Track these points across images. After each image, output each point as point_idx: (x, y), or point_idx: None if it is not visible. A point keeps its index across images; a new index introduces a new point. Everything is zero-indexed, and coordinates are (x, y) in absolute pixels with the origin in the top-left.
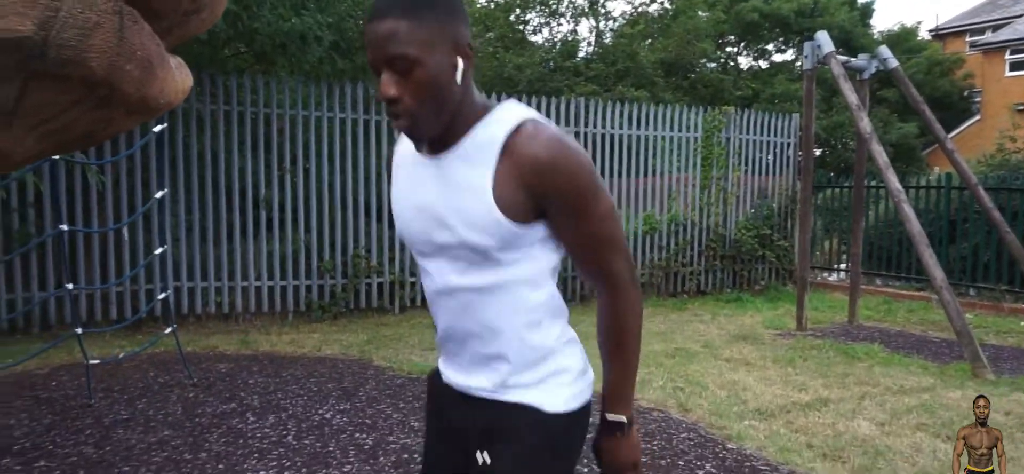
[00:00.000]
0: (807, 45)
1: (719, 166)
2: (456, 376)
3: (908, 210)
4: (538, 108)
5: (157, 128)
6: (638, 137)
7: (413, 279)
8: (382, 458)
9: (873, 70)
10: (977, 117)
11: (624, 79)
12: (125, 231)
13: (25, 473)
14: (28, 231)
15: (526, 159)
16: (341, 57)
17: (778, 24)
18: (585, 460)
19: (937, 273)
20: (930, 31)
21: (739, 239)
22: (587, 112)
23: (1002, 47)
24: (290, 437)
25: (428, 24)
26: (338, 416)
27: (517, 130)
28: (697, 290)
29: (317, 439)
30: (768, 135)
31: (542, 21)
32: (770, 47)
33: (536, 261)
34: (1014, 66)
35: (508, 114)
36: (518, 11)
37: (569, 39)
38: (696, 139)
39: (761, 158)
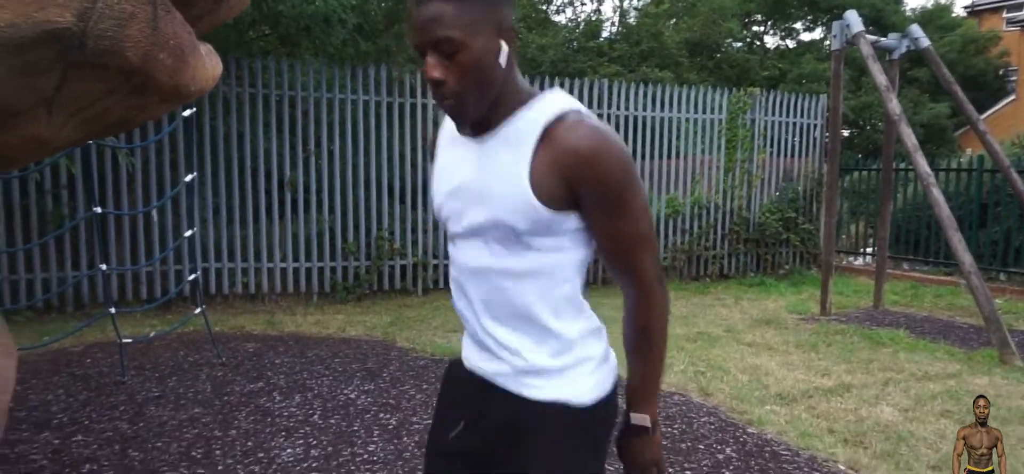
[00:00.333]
0: (836, 25)
1: (744, 148)
2: (477, 359)
3: (937, 194)
4: (561, 89)
5: (186, 113)
6: (662, 119)
7: (436, 261)
8: (405, 438)
9: (904, 50)
10: (1012, 97)
11: (648, 59)
12: (155, 213)
13: (63, 447)
14: (62, 213)
15: (566, 148)
16: (364, 39)
17: (807, 2)
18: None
19: (966, 258)
20: (965, 8)
21: (763, 222)
22: (610, 93)
23: None
24: (316, 416)
25: (473, 8)
26: (362, 396)
27: (559, 119)
28: (720, 274)
29: (342, 419)
30: (794, 116)
31: (565, 1)
32: (798, 26)
33: (565, 252)
34: None
35: (552, 102)
36: None
37: (593, 19)
38: (720, 121)
39: (787, 140)
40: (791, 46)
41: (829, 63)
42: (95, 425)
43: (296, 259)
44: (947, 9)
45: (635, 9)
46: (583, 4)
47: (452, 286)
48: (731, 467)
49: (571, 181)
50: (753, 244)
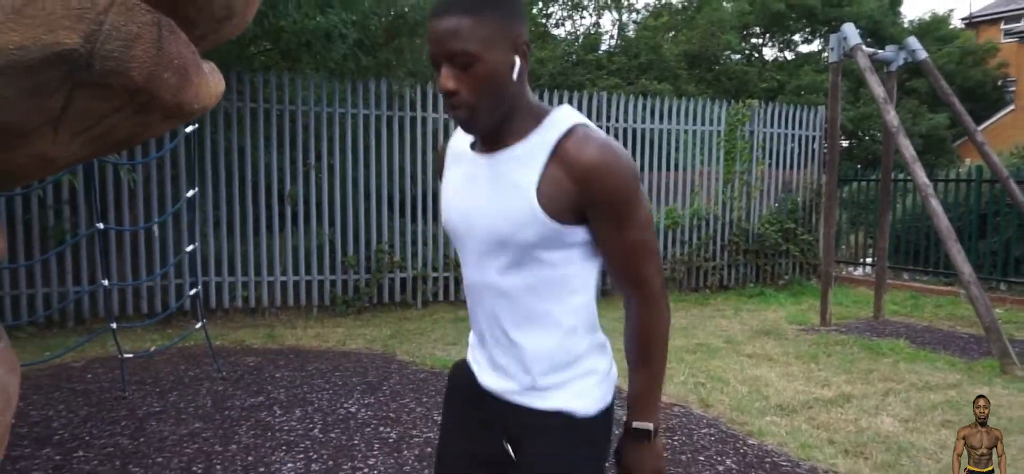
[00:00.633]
0: (833, 37)
1: (743, 160)
2: (487, 376)
3: (936, 205)
4: (561, 102)
5: (188, 129)
6: (661, 131)
7: (436, 274)
8: (405, 451)
9: (901, 62)
10: (1011, 107)
11: (647, 72)
12: (156, 228)
13: (64, 463)
14: (64, 228)
15: (574, 162)
16: (365, 54)
17: (805, 14)
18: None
19: (965, 268)
20: (963, 19)
21: (763, 233)
22: (610, 106)
23: None
24: (316, 430)
25: (489, 22)
26: (363, 410)
27: (568, 134)
28: (720, 285)
29: (342, 432)
30: (793, 128)
31: (565, 14)
32: (796, 38)
33: (575, 264)
34: None
35: (561, 119)
36: (541, 4)
37: (592, 32)
38: (719, 133)
39: (786, 151)
40: (789, 58)
41: (827, 74)
42: (96, 441)
43: (296, 272)
44: (945, 21)
45: (634, 22)
46: (582, 17)
47: (466, 296)
48: None
49: (579, 193)
50: (753, 255)
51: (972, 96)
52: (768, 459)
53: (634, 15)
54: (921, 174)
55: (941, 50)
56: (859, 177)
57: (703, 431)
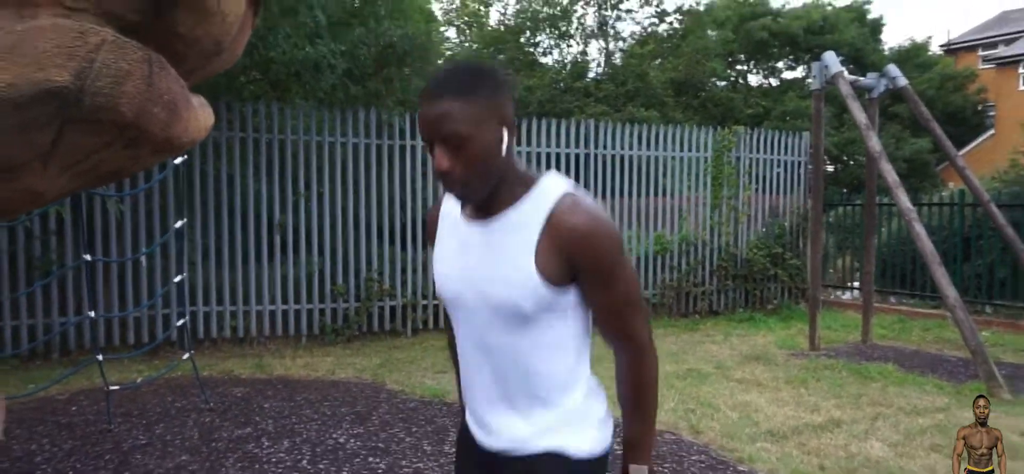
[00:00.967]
0: (815, 65)
1: (730, 185)
2: (486, 437)
3: (919, 229)
4: (549, 129)
5: (177, 160)
6: (648, 157)
7: (425, 302)
8: None
9: (882, 89)
10: (991, 132)
11: (634, 99)
12: (144, 259)
13: None
14: (50, 259)
15: (565, 230)
16: (354, 83)
17: (788, 42)
18: None
19: (950, 292)
20: (941, 46)
21: (751, 258)
22: (597, 133)
23: (1015, 61)
24: (304, 462)
25: (478, 103)
26: (351, 440)
27: (559, 202)
28: (709, 310)
29: (331, 464)
30: (779, 153)
31: (552, 43)
32: (780, 65)
33: (568, 322)
34: None
35: (550, 189)
36: (528, 33)
37: (579, 60)
38: (706, 159)
39: (772, 176)
40: (774, 84)
41: (811, 100)
42: None
43: (285, 301)
44: (924, 48)
45: (621, 50)
46: (570, 46)
47: (460, 358)
48: None
49: (570, 258)
50: (741, 280)
51: (953, 121)
52: None
53: (620, 43)
54: (904, 199)
55: (921, 76)
56: (845, 202)
57: (693, 458)
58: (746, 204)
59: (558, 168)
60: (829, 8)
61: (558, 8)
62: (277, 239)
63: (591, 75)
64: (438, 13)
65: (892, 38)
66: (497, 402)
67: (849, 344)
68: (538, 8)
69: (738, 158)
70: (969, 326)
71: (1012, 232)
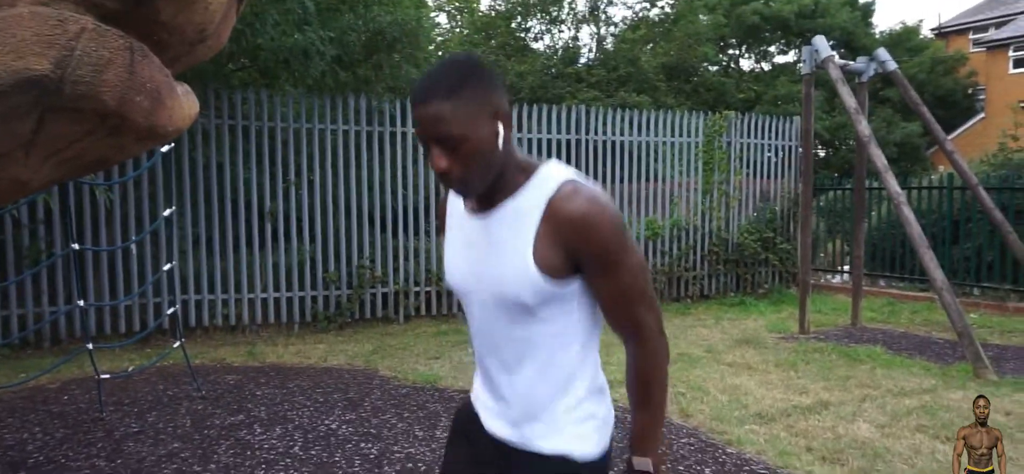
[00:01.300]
0: (805, 49)
1: (721, 170)
2: (491, 420)
3: (908, 213)
4: (540, 115)
5: (165, 149)
6: (640, 143)
7: (417, 289)
8: (387, 467)
9: (872, 73)
10: (981, 115)
11: (626, 84)
12: (134, 247)
13: None
14: (39, 248)
15: (564, 219)
16: (344, 70)
17: (779, 26)
18: None
19: (937, 275)
20: (932, 30)
21: (742, 243)
22: (589, 118)
23: (1005, 44)
24: (297, 448)
25: (469, 101)
26: (344, 426)
27: (557, 191)
28: (701, 294)
29: (323, 449)
30: (770, 138)
31: (543, 28)
32: (772, 49)
33: (572, 316)
34: (1018, 63)
35: (549, 177)
36: (519, 18)
37: (570, 45)
38: (698, 144)
39: (763, 161)
40: (766, 69)
41: (802, 85)
42: (72, 463)
43: (277, 289)
44: (915, 31)
45: (612, 35)
46: (561, 31)
47: (472, 341)
48: None
49: (570, 248)
50: (733, 264)
51: (943, 105)
52: (746, 467)
53: (612, 28)
54: (893, 183)
55: (912, 60)
56: (835, 186)
57: (683, 441)
58: (737, 189)
59: (549, 154)
60: None
61: None
62: (268, 227)
63: (582, 60)
64: None
65: (883, 22)
66: (504, 389)
67: (839, 327)
68: None
69: (729, 143)
70: (956, 308)
71: (1000, 215)
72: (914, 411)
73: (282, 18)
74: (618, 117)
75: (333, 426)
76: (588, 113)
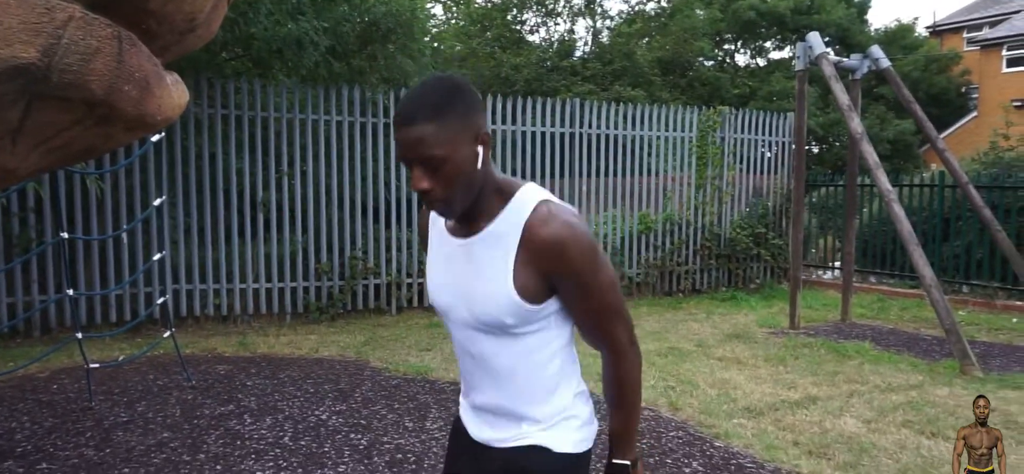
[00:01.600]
0: (799, 46)
1: (714, 165)
2: (477, 429)
3: (898, 210)
4: (534, 108)
5: (156, 138)
6: (634, 137)
7: (409, 280)
8: (376, 458)
9: (865, 70)
10: (974, 114)
11: (621, 78)
12: (124, 236)
13: None
14: (29, 236)
15: (539, 243)
16: (337, 60)
17: (775, 22)
18: None
19: (926, 272)
20: (927, 27)
21: (734, 238)
22: (583, 112)
23: (999, 43)
24: (287, 438)
25: (451, 124)
26: (334, 417)
27: (533, 214)
28: (692, 289)
29: (313, 440)
30: (763, 134)
31: (539, 21)
32: (767, 45)
33: (550, 332)
34: (1011, 62)
35: (525, 201)
36: (515, 11)
37: (566, 38)
38: (691, 138)
39: (756, 157)
40: (761, 64)
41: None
42: (61, 452)
43: (269, 280)
44: (910, 29)
45: (608, 28)
46: (557, 24)
47: (455, 350)
48: None
49: (545, 269)
50: (725, 259)
51: (937, 103)
52: (734, 461)
53: (608, 22)
54: (884, 180)
55: (907, 58)
56: (828, 182)
57: (671, 434)
58: (730, 184)
59: (543, 147)
60: None
61: None
62: (260, 217)
63: (578, 54)
64: None
65: (879, 19)
66: (487, 402)
67: (828, 323)
68: None
69: (723, 138)
70: (944, 306)
71: (989, 213)
72: (901, 407)
73: (276, 7)
74: (613, 111)
75: (323, 417)
76: (582, 107)
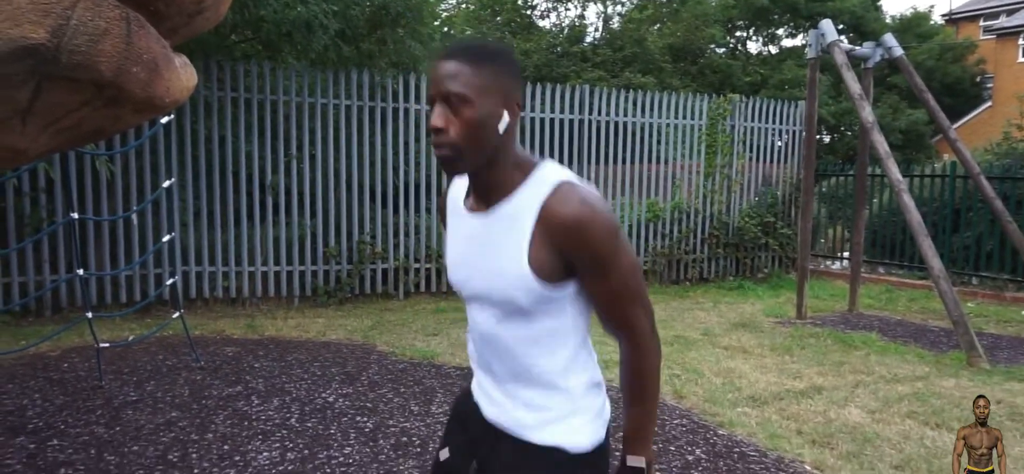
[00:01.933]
0: (811, 34)
1: (724, 154)
2: (488, 408)
3: (908, 200)
4: (544, 94)
5: (165, 120)
6: (643, 124)
7: (417, 265)
8: (381, 441)
9: (878, 59)
10: (988, 104)
11: (631, 65)
12: (134, 217)
13: (38, 452)
14: (40, 216)
15: (557, 221)
16: (347, 44)
17: (788, 9)
18: None
19: (935, 263)
20: (943, 15)
21: (742, 227)
22: (593, 98)
23: (1016, 32)
24: (293, 419)
25: (487, 73)
26: (340, 400)
27: (552, 193)
28: (700, 277)
29: (319, 422)
30: (774, 122)
31: (549, 6)
32: (780, 32)
33: (566, 315)
34: None
35: (544, 178)
36: None
37: (576, 24)
38: (701, 126)
39: (766, 145)
40: (773, 52)
41: (807, 69)
42: (71, 429)
43: (277, 263)
44: (925, 17)
45: (619, 14)
46: (567, 9)
47: (469, 337)
48: (700, 468)
49: (564, 250)
50: (732, 248)
51: (951, 92)
52: (736, 449)
53: (619, 8)
54: (894, 170)
55: (921, 46)
56: (837, 172)
57: (676, 422)
58: (740, 173)
59: (553, 133)
60: None
61: None
62: (269, 200)
63: (588, 39)
64: None
65: (894, 6)
66: (500, 383)
67: (836, 313)
68: None
69: (733, 126)
70: (952, 297)
71: (1000, 204)
72: (906, 397)
73: None
74: (622, 98)
75: (330, 399)
76: (592, 93)
